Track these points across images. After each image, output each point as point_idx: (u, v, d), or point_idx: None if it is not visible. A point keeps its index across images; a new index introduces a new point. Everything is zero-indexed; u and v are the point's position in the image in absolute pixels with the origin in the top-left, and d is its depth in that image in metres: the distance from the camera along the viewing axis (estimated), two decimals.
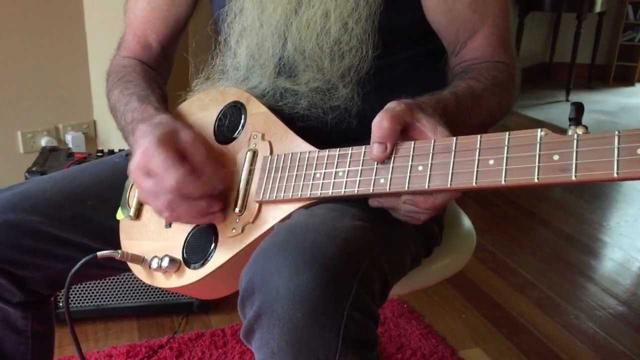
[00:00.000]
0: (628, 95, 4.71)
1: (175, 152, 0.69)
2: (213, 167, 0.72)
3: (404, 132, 0.63)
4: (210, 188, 0.71)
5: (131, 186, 0.85)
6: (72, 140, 2.06)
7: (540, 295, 1.85)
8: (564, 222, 2.42)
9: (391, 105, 0.63)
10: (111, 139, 2.12)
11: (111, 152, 1.60)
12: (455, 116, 0.70)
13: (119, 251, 0.76)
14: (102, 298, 1.59)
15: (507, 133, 0.57)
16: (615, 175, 0.49)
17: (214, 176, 0.71)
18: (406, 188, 0.61)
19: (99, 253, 0.75)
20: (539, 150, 0.54)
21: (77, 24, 1.99)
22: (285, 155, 0.72)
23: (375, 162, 0.64)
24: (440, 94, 0.72)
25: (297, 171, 0.70)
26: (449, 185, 0.58)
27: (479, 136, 0.58)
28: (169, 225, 0.79)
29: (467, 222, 1.02)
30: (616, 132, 0.50)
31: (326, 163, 0.68)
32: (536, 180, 0.53)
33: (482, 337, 1.63)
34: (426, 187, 0.59)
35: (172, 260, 0.74)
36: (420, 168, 0.60)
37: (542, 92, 4.51)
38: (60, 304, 1.51)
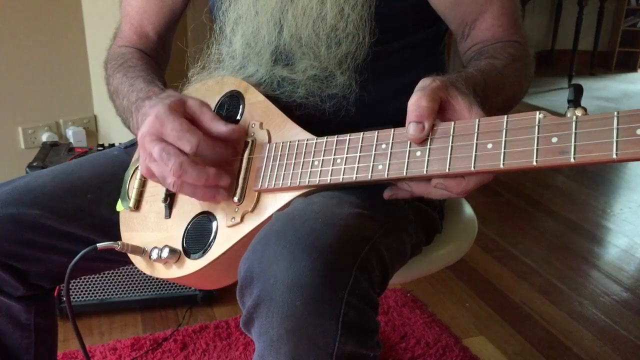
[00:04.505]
0: (630, 82, 4.69)
1: (186, 119, 0.70)
2: (223, 123, 0.71)
3: (438, 110, 0.60)
4: (226, 154, 0.70)
5: (131, 178, 0.85)
6: (73, 135, 2.06)
7: (544, 283, 1.84)
8: (568, 209, 2.41)
9: (425, 82, 0.60)
10: (112, 133, 2.12)
11: (112, 146, 1.60)
12: (484, 94, 0.68)
13: (119, 242, 0.76)
14: (105, 292, 1.60)
15: (506, 116, 0.56)
16: (614, 156, 0.49)
17: (228, 130, 0.71)
18: (404, 174, 0.60)
19: (98, 244, 0.74)
20: (538, 133, 0.53)
21: (76, 19, 1.99)
22: (283, 143, 0.72)
23: (373, 149, 0.63)
24: (466, 71, 0.70)
25: (295, 159, 0.69)
26: (447, 170, 0.58)
27: (477, 120, 0.58)
28: (168, 215, 0.79)
29: (468, 209, 1.02)
30: (615, 113, 0.50)
31: (324, 150, 0.67)
32: (535, 163, 0.53)
33: (485, 325, 1.63)
34: (424, 172, 0.59)
35: (172, 250, 0.74)
36: (418, 153, 0.60)
37: (544, 80, 4.50)
38: (64, 297, 1.52)
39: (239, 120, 0.79)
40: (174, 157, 0.67)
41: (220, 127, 0.71)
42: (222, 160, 0.71)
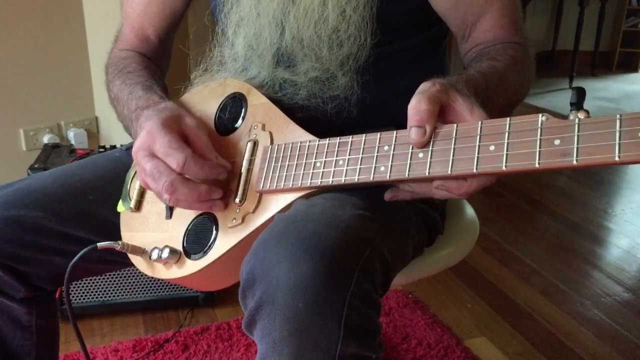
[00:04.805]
0: (631, 82, 4.69)
1: (180, 136, 0.71)
2: (215, 153, 0.73)
3: (439, 113, 0.60)
4: (213, 173, 0.71)
5: (132, 179, 0.85)
6: (75, 136, 2.06)
7: (546, 284, 1.84)
8: (569, 210, 2.41)
9: (425, 86, 0.61)
10: (113, 135, 2.12)
11: (113, 147, 1.60)
12: (486, 96, 0.68)
13: (119, 242, 0.76)
14: (107, 293, 1.60)
15: (508, 119, 0.56)
16: (616, 159, 0.49)
17: (216, 163, 0.72)
18: (406, 175, 0.60)
19: (99, 244, 0.75)
20: (540, 135, 0.53)
21: (77, 20, 1.99)
22: (285, 145, 0.72)
23: (376, 151, 0.63)
24: (467, 73, 0.70)
25: (297, 160, 0.69)
26: (449, 172, 0.58)
27: (479, 122, 0.58)
28: (169, 216, 0.79)
29: (469, 210, 1.02)
30: (617, 116, 0.50)
31: (326, 152, 0.67)
32: (537, 166, 0.53)
33: (487, 326, 1.63)
34: (426, 174, 0.59)
35: (173, 251, 0.74)
36: (420, 155, 0.60)
37: (545, 80, 4.50)
38: (65, 299, 1.52)
39: (237, 129, 0.79)
40: (165, 176, 0.69)
41: (212, 158, 0.72)
42: (210, 179, 0.71)
